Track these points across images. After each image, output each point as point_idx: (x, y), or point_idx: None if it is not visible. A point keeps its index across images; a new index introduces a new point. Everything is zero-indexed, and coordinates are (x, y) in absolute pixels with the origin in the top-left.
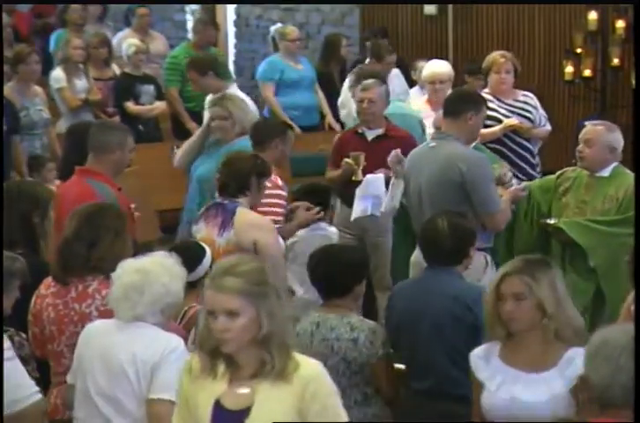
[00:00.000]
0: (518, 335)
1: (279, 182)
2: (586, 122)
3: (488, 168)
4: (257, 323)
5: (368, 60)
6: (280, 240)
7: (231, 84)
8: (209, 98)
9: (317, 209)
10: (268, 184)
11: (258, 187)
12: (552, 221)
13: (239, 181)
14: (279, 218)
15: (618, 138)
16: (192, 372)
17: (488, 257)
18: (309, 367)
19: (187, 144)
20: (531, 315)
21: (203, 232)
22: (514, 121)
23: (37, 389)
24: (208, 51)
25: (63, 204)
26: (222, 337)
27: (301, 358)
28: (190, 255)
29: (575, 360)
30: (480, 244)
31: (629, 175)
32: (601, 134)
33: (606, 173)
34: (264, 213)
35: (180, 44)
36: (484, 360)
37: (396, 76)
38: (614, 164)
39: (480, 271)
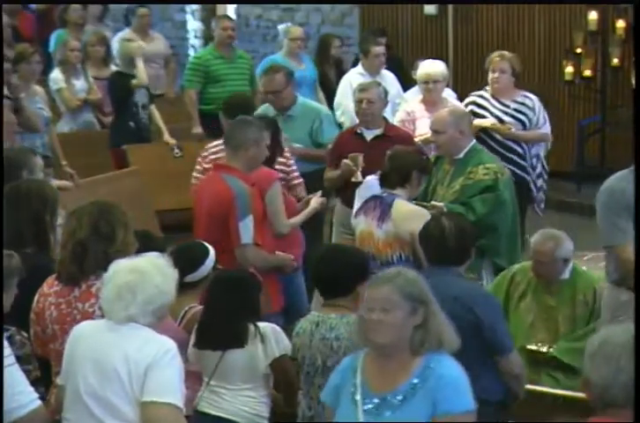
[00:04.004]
0: None
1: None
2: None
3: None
4: None
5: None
6: None
7: None
8: None
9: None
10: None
11: (418, 181)
12: (544, 349)
13: (401, 173)
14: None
15: (569, 248)
16: None
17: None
18: None
19: None
20: None
21: (362, 224)
22: (487, 122)
23: (36, 395)
24: (233, 50)
25: (201, 200)
26: None
27: None
28: (193, 255)
29: None
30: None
31: (589, 274)
32: (553, 251)
33: (566, 275)
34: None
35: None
36: None
37: (391, 79)
38: (570, 266)
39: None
